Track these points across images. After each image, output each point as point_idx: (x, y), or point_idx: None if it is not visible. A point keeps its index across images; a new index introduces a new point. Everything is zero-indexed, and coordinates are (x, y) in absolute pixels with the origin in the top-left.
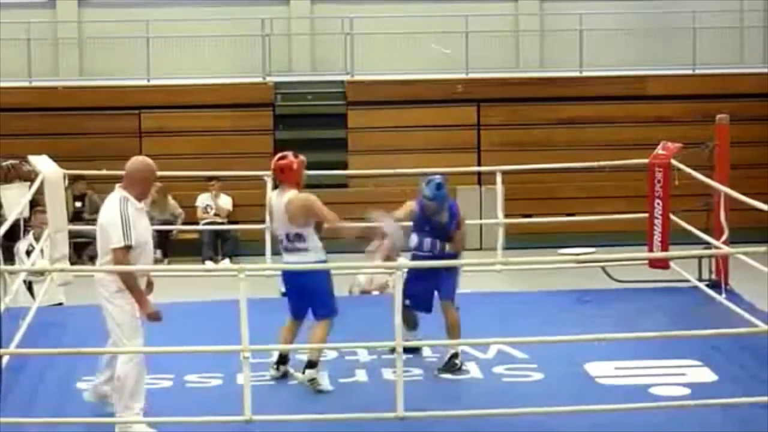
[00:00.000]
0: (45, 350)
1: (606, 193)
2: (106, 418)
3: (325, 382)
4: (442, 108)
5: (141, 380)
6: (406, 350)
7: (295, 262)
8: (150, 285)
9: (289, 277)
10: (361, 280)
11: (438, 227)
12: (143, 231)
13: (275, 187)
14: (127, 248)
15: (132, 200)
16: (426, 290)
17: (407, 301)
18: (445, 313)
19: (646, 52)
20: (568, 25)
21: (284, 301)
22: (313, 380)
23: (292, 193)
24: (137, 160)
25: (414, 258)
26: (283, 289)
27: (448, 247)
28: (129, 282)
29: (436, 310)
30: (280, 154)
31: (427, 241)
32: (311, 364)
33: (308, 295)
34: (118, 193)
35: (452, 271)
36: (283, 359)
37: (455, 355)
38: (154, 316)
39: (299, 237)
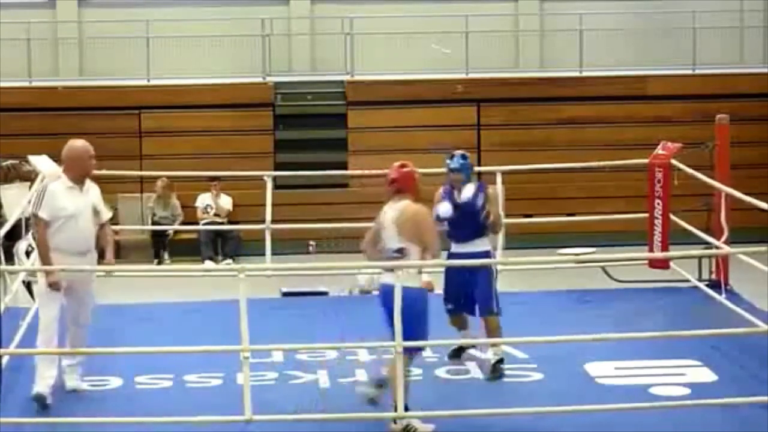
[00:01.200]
0: (45, 350)
1: (606, 193)
2: (106, 418)
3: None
4: (442, 108)
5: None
6: (458, 351)
7: (387, 284)
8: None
9: (381, 295)
10: (361, 280)
11: (467, 209)
12: (67, 206)
13: (276, 187)
14: (41, 219)
15: (64, 179)
16: (464, 293)
17: (449, 306)
18: (485, 322)
19: (646, 52)
20: (568, 25)
21: (284, 301)
22: (408, 427)
23: (405, 203)
24: (67, 144)
25: (450, 257)
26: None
27: (486, 239)
28: (40, 250)
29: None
30: (399, 163)
31: (462, 235)
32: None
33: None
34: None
35: (487, 276)
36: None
37: (500, 361)
38: (52, 285)
39: (400, 252)
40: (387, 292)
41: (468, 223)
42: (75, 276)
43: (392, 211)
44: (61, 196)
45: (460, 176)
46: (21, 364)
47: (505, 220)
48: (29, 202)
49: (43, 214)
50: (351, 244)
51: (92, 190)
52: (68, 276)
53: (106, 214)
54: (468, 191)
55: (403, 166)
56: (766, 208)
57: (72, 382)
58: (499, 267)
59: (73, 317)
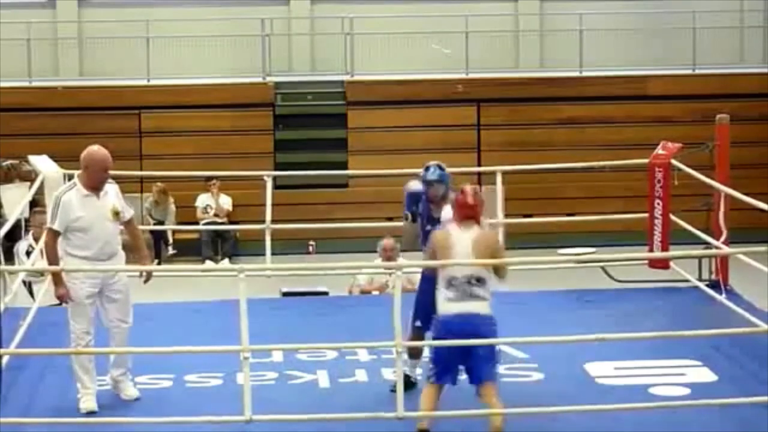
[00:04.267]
0: (45, 350)
1: (606, 193)
2: (105, 418)
3: None
4: (442, 108)
5: (84, 361)
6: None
7: (468, 312)
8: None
9: (456, 327)
10: (361, 280)
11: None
12: (82, 215)
13: (276, 187)
14: (52, 231)
15: (79, 186)
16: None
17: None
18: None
19: (646, 52)
20: (568, 25)
21: (284, 301)
22: None
23: (478, 230)
24: (86, 150)
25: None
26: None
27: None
28: (48, 259)
29: None
30: (471, 188)
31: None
32: None
33: (474, 352)
34: (75, 179)
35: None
36: None
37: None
38: (60, 297)
39: (479, 281)
40: (470, 322)
41: None
42: (104, 281)
43: (466, 238)
44: (75, 206)
45: (441, 188)
46: (21, 364)
47: (505, 220)
48: (46, 215)
49: (55, 225)
50: (353, 245)
51: (111, 191)
52: (96, 281)
53: (129, 212)
54: (448, 211)
55: (476, 192)
56: (766, 209)
57: (128, 391)
58: None
59: (110, 320)
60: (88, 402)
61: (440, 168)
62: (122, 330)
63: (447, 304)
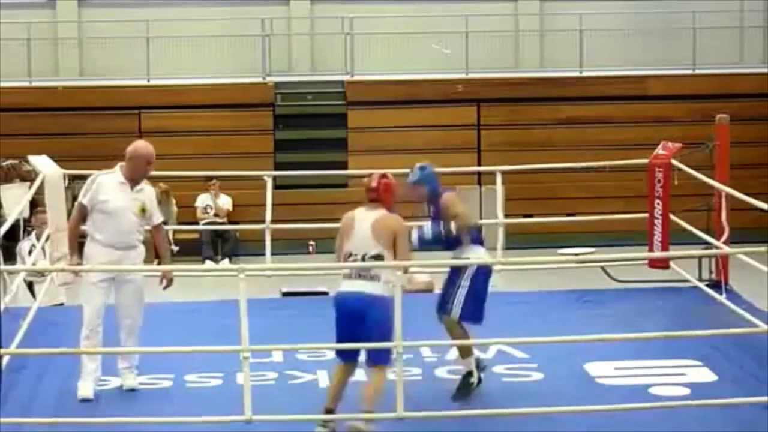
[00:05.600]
0: (45, 350)
1: (606, 193)
2: (105, 418)
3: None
4: (442, 108)
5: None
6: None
7: (357, 291)
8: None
9: (345, 304)
10: None
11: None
12: (109, 200)
13: (276, 187)
14: (80, 204)
15: (118, 174)
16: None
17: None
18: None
19: (646, 52)
20: (568, 25)
21: (284, 302)
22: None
23: (382, 212)
24: (134, 142)
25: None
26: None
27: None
28: (69, 230)
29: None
30: (381, 173)
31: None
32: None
33: (364, 332)
34: (117, 166)
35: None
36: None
37: (469, 374)
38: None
39: (377, 259)
40: (361, 301)
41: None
42: (117, 271)
43: (368, 218)
44: (107, 189)
45: (423, 189)
46: (21, 365)
47: (505, 220)
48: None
49: (84, 200)
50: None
51: (146, 190)
52: (109, 270)
53: (158, 218)
54: (426, 229)
55: (384, 176)
56: (766, 209)
57: (129, 381)
58: (498, 267)
59: (118, 314)
60: (84, 389)
61: (422, 168)
62: (132, 325)
63: (341, 281)
